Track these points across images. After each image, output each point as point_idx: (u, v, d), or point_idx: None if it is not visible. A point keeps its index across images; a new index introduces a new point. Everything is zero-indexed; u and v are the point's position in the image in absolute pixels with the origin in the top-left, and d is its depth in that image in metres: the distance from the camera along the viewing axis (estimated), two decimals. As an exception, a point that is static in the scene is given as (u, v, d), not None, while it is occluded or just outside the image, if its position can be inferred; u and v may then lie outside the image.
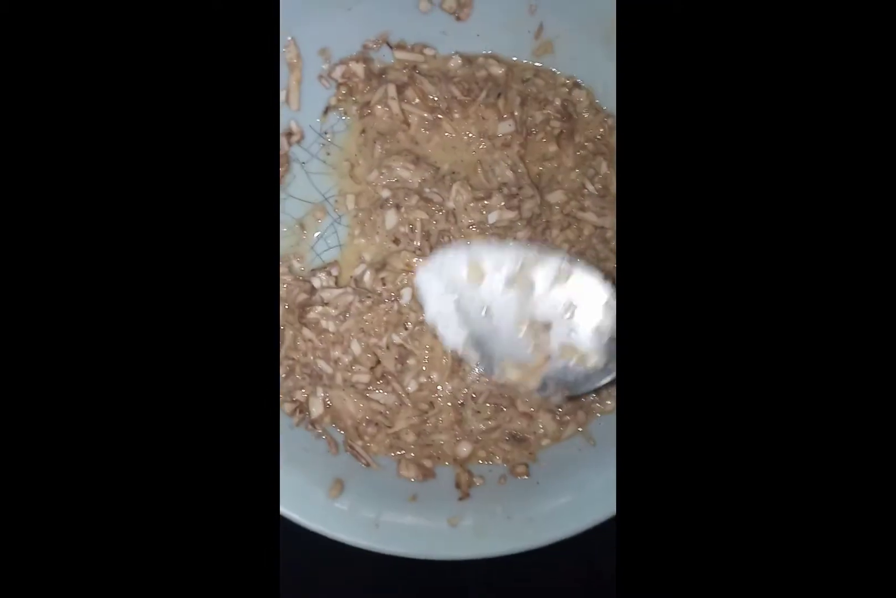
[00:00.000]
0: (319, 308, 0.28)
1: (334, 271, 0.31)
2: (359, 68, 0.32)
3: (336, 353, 0.28)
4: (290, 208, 0.32)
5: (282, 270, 0.31)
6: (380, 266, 0.30)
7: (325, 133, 0.33)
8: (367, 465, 0.27)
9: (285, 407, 0.28)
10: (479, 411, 0.27)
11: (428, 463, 0.27)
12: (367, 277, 0.29)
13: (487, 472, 0.27)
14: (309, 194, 0.32)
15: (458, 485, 0.26)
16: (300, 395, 0.28)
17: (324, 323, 0.28)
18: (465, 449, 0.27)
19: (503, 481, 0.27)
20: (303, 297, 0.29)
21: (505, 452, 0.27)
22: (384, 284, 0.29)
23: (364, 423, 0.27)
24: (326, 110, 0.33)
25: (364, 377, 0.27)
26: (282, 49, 0.30)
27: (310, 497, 0.25)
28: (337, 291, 0.29)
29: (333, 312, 0.28)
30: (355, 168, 0.33)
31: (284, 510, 0.24)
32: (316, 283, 0.29)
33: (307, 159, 0.33)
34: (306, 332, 0.29)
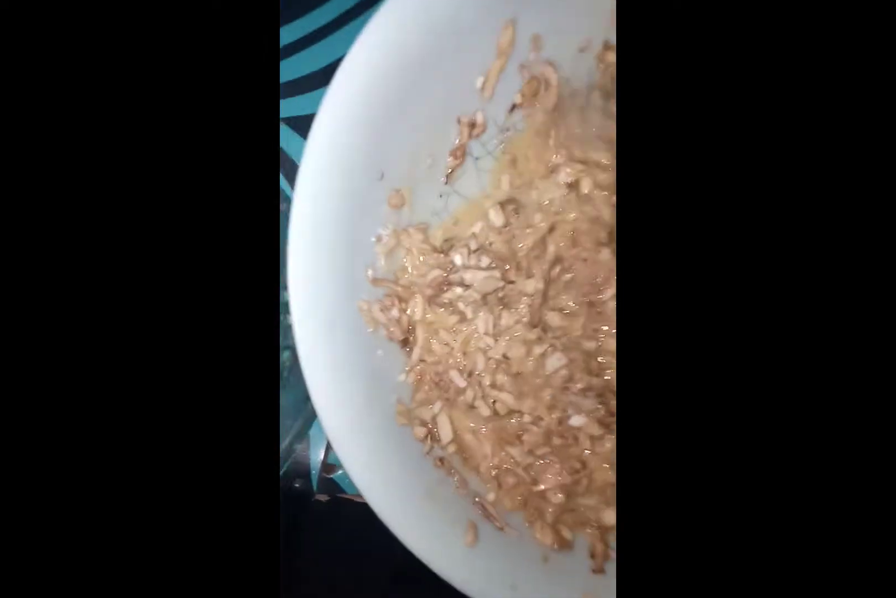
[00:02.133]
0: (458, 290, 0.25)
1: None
2: (565, 66, 0.29)
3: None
4: (453, 205, 0.29)
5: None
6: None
7: (507, 130, 0.30)
8: (501, 529, 0.24)
9: (416, 431, 0.25)
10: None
11: (567, 533, 0.24)
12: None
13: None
14: (475, 193, 0.30)
15: (592, 555, 0.24)
16: (427, 413, 0.26)
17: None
18: (612, 516, 0.24)
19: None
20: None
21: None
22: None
23: (502, 471, 0.24)
24: (513, 108, 0.29)
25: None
26: (496, 29, 0.27)
27: (447, 542, 0.22)
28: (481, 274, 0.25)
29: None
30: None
31: (422, 554, 0.22)
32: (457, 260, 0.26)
33: (481, 155, 0.30)
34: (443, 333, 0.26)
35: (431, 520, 0.22)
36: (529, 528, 0.23)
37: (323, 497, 0.32)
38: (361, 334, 0.24)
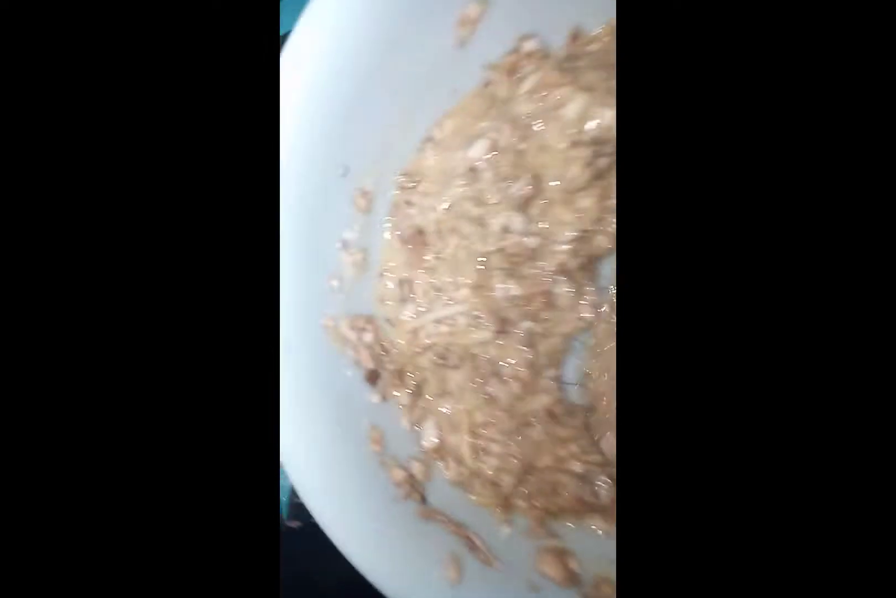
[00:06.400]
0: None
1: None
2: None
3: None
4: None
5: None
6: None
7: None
8: (487, 563, 0.21)
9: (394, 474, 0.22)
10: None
11: (574, 565, 0.21)
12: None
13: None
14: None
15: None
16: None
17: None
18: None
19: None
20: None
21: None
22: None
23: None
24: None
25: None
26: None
27: (428, 581, 0.19)
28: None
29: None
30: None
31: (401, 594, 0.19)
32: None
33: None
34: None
35: (408, 558, 0.20)
36: (537, 558, 0.21)
37: (294, 524, 0.29)
38: (326, 353, 0.22)
